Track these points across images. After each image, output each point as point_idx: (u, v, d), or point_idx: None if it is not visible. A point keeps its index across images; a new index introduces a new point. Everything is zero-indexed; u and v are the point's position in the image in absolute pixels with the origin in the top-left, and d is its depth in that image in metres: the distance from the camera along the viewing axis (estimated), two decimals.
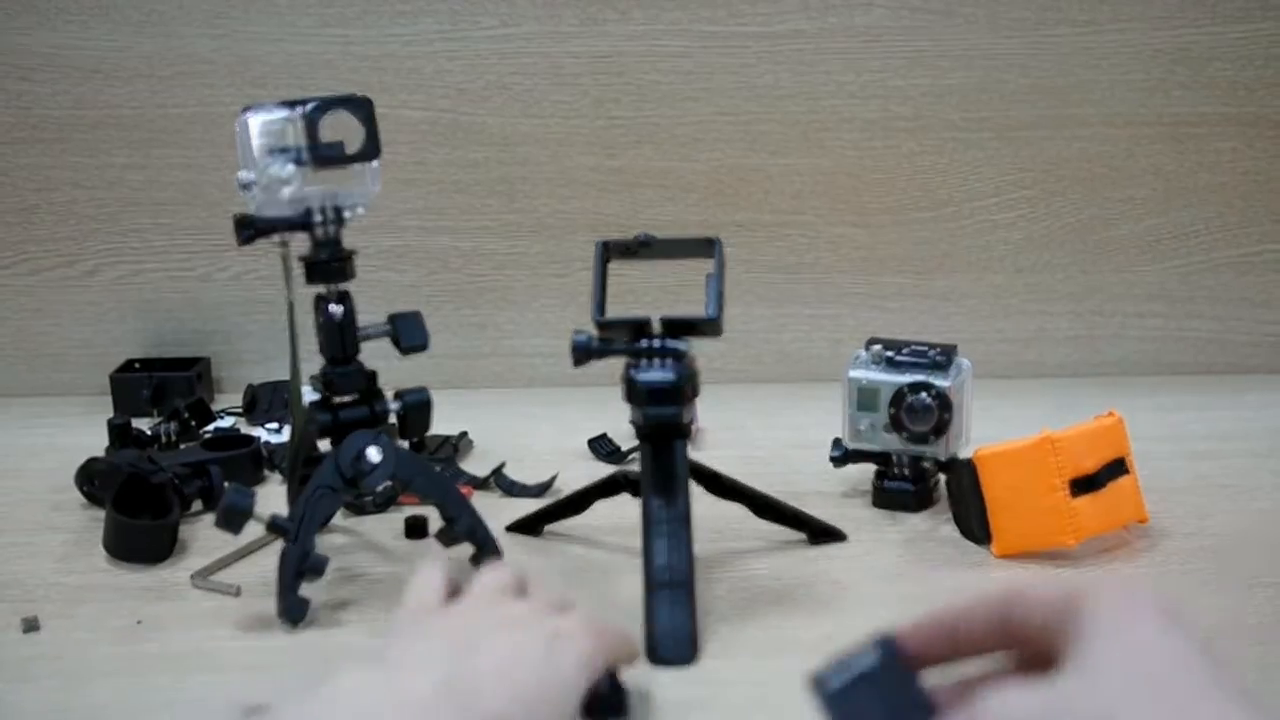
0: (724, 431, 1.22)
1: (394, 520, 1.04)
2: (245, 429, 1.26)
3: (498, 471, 1.12)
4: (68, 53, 1.31)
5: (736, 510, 0.96)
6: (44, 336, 1.38)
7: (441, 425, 1.13)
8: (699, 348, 0.92)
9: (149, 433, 1.18)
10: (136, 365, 1.36)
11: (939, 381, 1.01)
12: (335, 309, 0.91)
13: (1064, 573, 0.91)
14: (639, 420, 0.87)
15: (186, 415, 1.21)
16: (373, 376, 0.94)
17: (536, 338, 1.39)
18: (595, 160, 1.34)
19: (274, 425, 1.26)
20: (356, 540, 1.02)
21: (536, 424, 1.28)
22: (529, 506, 1.03)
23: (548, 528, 1.01)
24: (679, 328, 0.90)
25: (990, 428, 1.03)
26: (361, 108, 0.91)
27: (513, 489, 1.10)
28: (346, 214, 0.92)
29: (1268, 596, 0.88)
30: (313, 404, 0.93)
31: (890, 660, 0.47)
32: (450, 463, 1.16)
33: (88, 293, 1.37)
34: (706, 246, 0.91)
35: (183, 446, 1.18)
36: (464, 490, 1.05)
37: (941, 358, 1.03)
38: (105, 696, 0.79)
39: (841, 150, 1.34)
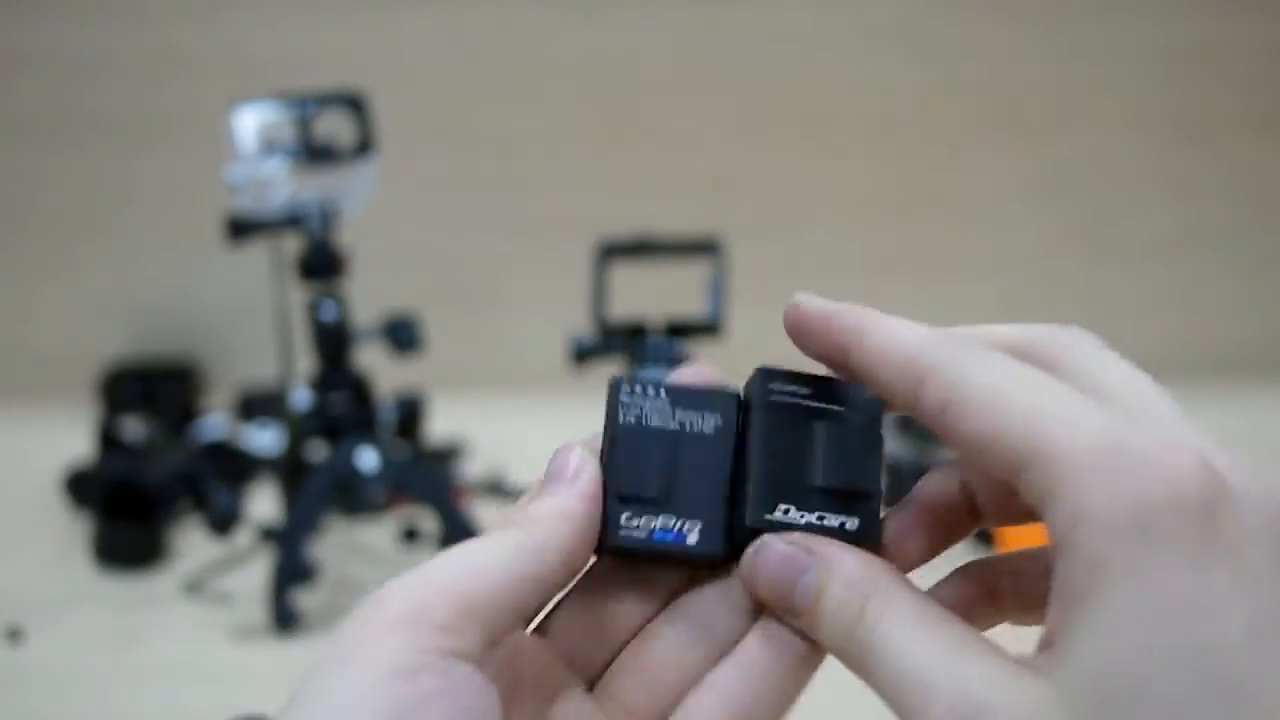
0: None
1: (388, 525, 1.02)
2: (236, 431, 1.24)
3: (494, 475, 1.11)
4: (54, 48, 1.29)
5: None
6: (32, 338, 1.36)
7: (437, 427, 1.11)
8: (700, 349, 0.90)
9: (138, 436, 1.16)
10: (126, 367, 1.34)
11: None
12: (329, 310, 0.90)
13: None
14: None
15: (176, 417, 1.19)
16: (367, 378, 0.93)
17: (535, 338, 1.37)
18: (595, 159, 1.33)
19: (265, 428, 1.25)
20: (350, 545, 1.00)
21: (534, 425, 1.26)
22: None
23: None
24: (679, 329, 0.89)
25: None
26: (356, 105, 0.89)
27: (509, 492, 1.09)
28: (341, 213, 0.91)
29: None
30: (305, 406, 0.91)
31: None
32: (446, 465, 1.14)
33: (76, 293, 1.36)
34: (707, 247, 0.90)
35: (171, 450, 1.16)
36: (459, 493, 1.03)
37: None
38: (93, 706, 0.77)
39: (845, 148, 1.33)
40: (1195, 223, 1.35)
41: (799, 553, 0.30)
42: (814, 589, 0.29)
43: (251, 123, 0.87)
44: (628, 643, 0.32)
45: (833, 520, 0.31)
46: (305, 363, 0.93)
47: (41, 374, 1.36)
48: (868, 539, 0.31)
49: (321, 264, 0.89)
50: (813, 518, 0.31)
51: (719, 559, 0.31)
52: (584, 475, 0.31)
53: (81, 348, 1.35)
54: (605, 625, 0.32)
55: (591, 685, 0.32)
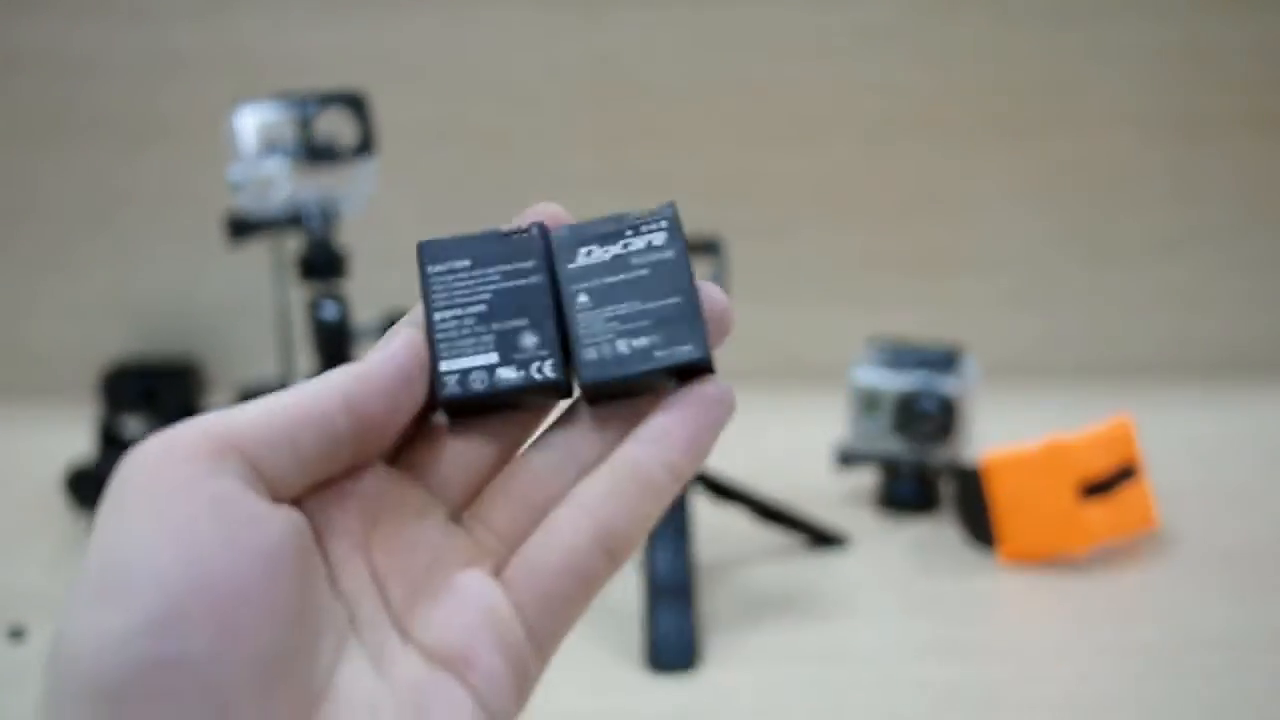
0: (725, 435, 1.20)
1: None
2: None
3: None
4: (54, 48, 1.29)
5: (738, 515, 0.94)
6: (32, 338, 1.36)
7: None
8: None
9: (139, 435, 1.16)
10: (127, 366, 1.34)
11: (944, 384, 0.99)
12: (329, 309, 0.90)
13: (1071, 581, 0.90)
14: None
15: (177, 417, 1.19)
16: None
17: None
18: (594, 160, 1.33)
19: None
20: None
21: None
22: None
23: None
24: None
25: (997, 430, 1.02)
26: (357, 105, 0.89)
27: None
28: (341, 213, 0.91)
29: None
30: None
31: None
32: None
33: (77, 293, 1.36)
34: (707, 247, 0.90)
35: None
36: None
37: (947, 359, 1.01)
38: None
39: (845, 148, 1.33)
40: (1195, 223, 1.35)
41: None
42: None
43: (252, 123, 0.87)
44: (493, 473, 0.34)
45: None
46: (306, 362, 0.93)
47: (42, 374, 1.36)
48: (702, 362, 0.33)
49: (322, 263, 0.89)
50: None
51: (565, 392, 0.33)
52: (393, 341, 0.33)
53: (82, 347, 1.35)
54: (470, 456, 0.34)
55: (457, 514, 0.34)
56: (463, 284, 0.34)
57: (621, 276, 0.33)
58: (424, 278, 0.34)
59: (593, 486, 0.32)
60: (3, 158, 1.32)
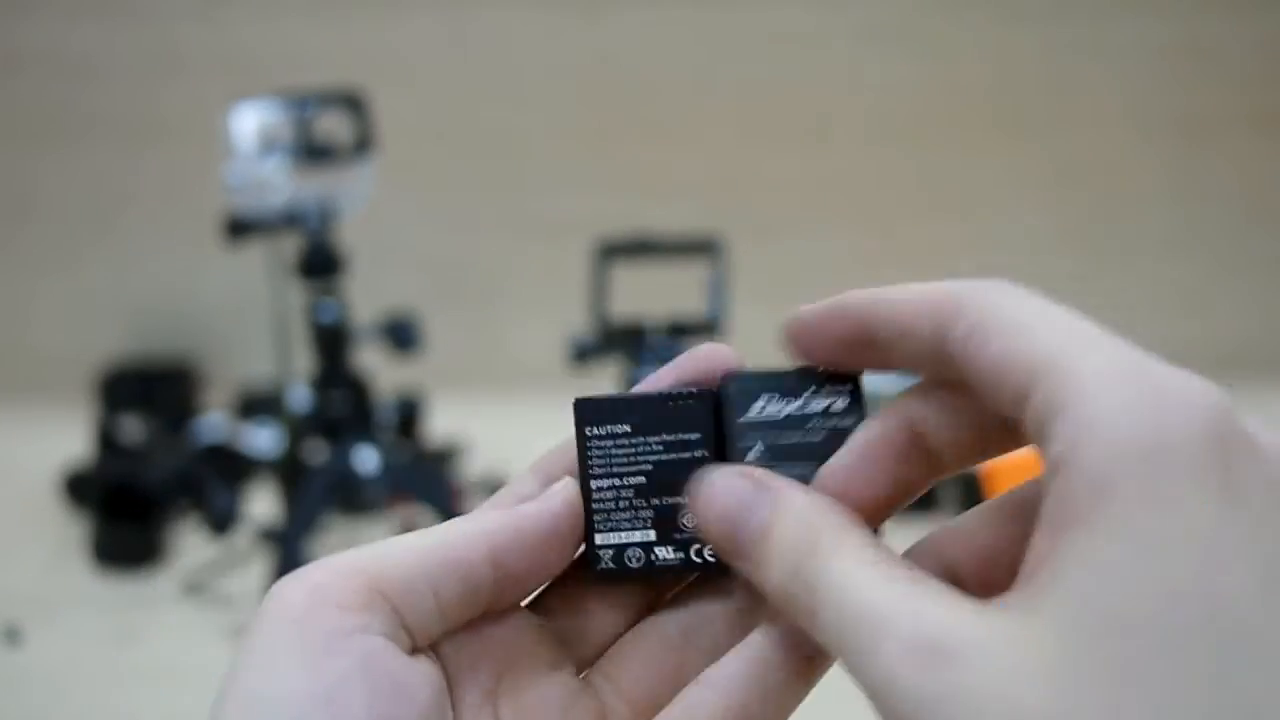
0: None
1: (388, 524, 1.02)
2: (235, 431, 1.24)
3: (494, 475, 1.10)
4: (54, 48, 1.29)
5: None
6: (30, 338, 1.36)
7: (438, 427, 1.11)
8: None
9: (136, 436, 1.16)
10: (124, 367, 1.34)
11: None
12: (327, 309, 0.90)
13: None
14: None
15: (175, 417, 1.19)
16: (366, 377, 0.92)
17: (534, 338, 1.37)
18: (594, 159, 1.32)
19: (264, 427, 1.24)
20: (350, 545, 1.00)
21: (534, 426, 1.25)
22: None
23: None
24: (679, 329, 0.88)
25: None
26: (355, 104, 0.89)
27: None
28: (340, 213, 0.90)
29: None
30: (304, 406, 0.91)
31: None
32: (446, 465, 1.14)
33: (75, 293, 1.35)
34: (707, 247, 0.90)
35: (170, 450, 1.16)
36: (459, 493, 1.03)
37: None
38: (91, 706, 0.77)
39: (845, 148, 1.32)
40: (1195, 223, 1.35)
41: (749, 486, 0.28)
42: (763, 526, 0.28)
43: (250, 122, 0.87)
44: (625, 631, 0.32)
45: None
46: (304, 362, 0.92)
47: (40, 374, 1.36)
48: None
49: (320, 263, 0.89)
50: None
51: (724, 572, 0.31)
52: (554, 497, 0.31)
53: (80, 347, 1.35)
54: (607, 612, 0.32)
55: (585, 668, 0.32)
56: (622, 452, 0.32)
57: (795, 439, 0.31)
58: (581, 440, 0.32)
59: (730, 669, 0.30)
60: (3, 158, 1.32)
